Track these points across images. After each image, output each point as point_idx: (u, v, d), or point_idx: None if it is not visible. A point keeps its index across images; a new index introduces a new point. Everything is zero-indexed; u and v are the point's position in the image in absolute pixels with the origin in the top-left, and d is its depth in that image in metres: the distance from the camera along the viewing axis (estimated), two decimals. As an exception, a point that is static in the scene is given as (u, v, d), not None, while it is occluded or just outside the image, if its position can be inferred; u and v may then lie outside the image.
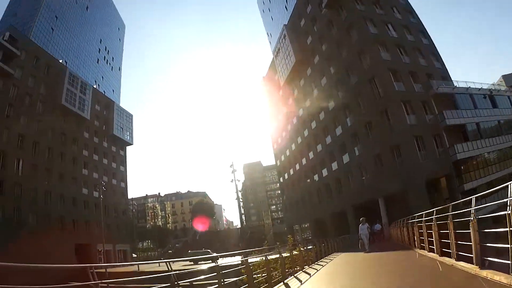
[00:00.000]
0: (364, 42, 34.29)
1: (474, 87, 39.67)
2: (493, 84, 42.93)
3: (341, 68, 38.04)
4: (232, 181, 38.98)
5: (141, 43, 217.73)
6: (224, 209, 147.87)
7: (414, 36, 38.80)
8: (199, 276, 8.41)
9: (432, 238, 9.96)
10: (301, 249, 16.14)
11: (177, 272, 7.29)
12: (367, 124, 34.58)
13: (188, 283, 7.57)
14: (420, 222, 12.10)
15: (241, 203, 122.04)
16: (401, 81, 32.91)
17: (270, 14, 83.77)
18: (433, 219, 9.39)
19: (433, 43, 41.20)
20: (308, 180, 49.47)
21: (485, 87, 41.50)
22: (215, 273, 7.40)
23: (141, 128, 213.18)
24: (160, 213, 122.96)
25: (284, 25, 50.35)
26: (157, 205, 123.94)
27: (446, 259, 8.83)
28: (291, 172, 56.39)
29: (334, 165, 41.63)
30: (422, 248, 11.75)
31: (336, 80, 39.29)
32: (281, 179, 63.80)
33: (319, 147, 45.13)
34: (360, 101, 35.26)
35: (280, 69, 52.38)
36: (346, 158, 38.98)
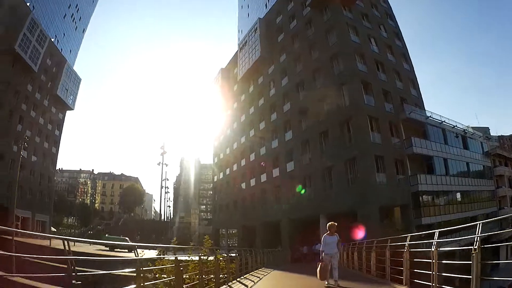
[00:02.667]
0: (342, 47, 32.10)
1: (448, 123, 37.95)
2: (467, 126, 41.28)
3: (308, 69, 35.82)
4: (159, 163, 35.10)
5: (112, 14, 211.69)
6: (154, 200, 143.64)
7: (395, 58, 37.44)
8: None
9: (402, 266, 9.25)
10: (220, 257, 11.93)
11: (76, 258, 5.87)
12: (323, 132, 32.16)
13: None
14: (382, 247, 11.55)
15: (172, 197, 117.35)
16: (372, 96, 30.76)
17: (247, 11, 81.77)
18: (406, 245, 9.00)
19: (414, 71, 40.16)
20: (244, 183, 46.86)
21: (459, 126, 39.90)
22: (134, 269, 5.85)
23: (87, 100, 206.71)
24: (90, 191, 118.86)
25: (259, 18, 47.87)
26: (88, 182, 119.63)
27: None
28: (227, 172, 53.84)
29: (276, 172, 38.99)
30: (393, 279, 10.47)
31: (300, 81, 37.10)
32: (216, 178, 61.04)
33: (262, 150, 42.68)
34: (321, 107, 32.85)
35: (241, 62, 49.75)
36: (290, 166, 36.40)
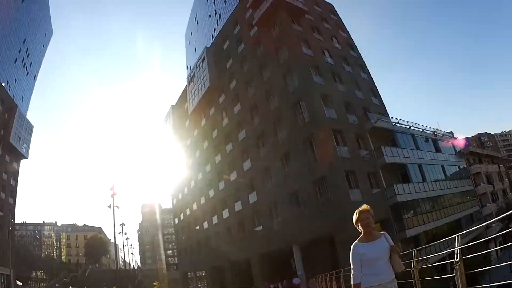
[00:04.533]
0: (295, 61, 30.38)
1: (417, 127, 36.78)
2: (436, 129, 40.23)
3: (261, 91, 34.04)
4: (109, 206, 31.65)
5: (64, 58, 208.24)
6: (121, 249, 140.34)
7: (352, 68, 36.47)
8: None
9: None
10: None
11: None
12: (284, 156, 29.92)
13: None
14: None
15: (137, 244, 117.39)
16: (333, 108, 28.92)
17: (194, 45, 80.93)
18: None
19: (372, 80, 39.32)
20: (206, 222, 44.14)
21: (428, 130, 38.85)
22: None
23: (41, 148, 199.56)
24: (55, 243, 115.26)
25: (206, 47, 46.46)
26: (52, 234, 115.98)
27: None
28: (188, 212, 51.07)
29: (238, 205, 36.47)
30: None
31: (253, 105, 35.27)
32: (176, 220, 58.03)
33: (221, 185, 40.30)
34: (278, 129, 30.98)
35: (191, 96, 47.82)
36: (253, 197, 33.97)
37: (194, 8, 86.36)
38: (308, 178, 26.75)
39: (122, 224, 44.82)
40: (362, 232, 4.29)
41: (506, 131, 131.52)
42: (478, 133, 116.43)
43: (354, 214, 4.40)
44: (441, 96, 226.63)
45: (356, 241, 4.30)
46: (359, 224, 4.30)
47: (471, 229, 29.49)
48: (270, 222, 31.26)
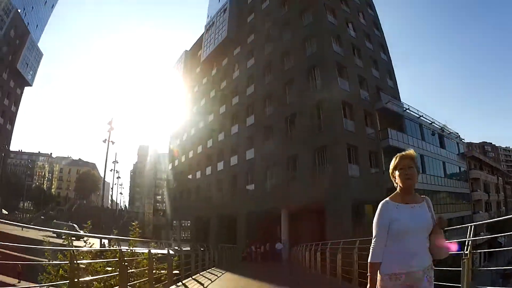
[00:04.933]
0: (317, 27, 29.34)
1: (426, 118, 36.04)
2: (444, 125, 39.45)
3: (277, 50, 33.04)
4: (104, 141, 31.07)
5: None
6: (112, 188, 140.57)
7: (373, 46, 35.32)
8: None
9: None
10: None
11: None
12: (288, 117, 29.29)
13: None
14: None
15: (128, 185, 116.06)
16: (346, 80, 28.04)
17: None
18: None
19: (391, 62, 38.17)
20: (199, 172, 43.75)
21: (437, 124, 38.09)
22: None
23: (47, 78, 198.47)
24: (47, 175, 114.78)
25: (229, -3, 44.88)
26: (46, 166, 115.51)
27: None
28: (183, 159, 50.72)
29: (234, 159, 36.14)
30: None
31: (267, 63, 34.35)
32: (171, 166, 57.44)
33: (220, 136, 39.84)
34: (288, 90, 30.30)
35: (206, 43, 46.85)
36: (250, 154, 33.49)
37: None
38: (309, 144, 26.15)
39: (115, 162, 44.32)
40: (398, 188, 2.74)
41: (511, 147, 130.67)
42: (483, 141, 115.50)
43: (393, 159, 2.78)
44: (454, 95, 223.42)
45: (387, 198, 2.76)
46: (396, 175, 2.71)
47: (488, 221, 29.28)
48: (263, 182, 30.93)
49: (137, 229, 12.82)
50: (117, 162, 50.69)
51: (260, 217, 30.60)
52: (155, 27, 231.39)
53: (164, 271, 10.04)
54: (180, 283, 10.66)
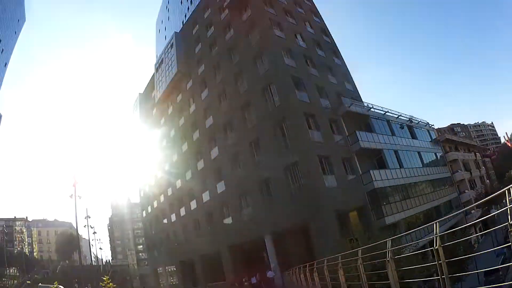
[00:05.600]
0: (266, 44, 28.90)
1: (392, 113, 36.00)
2: (411, 116, 39.55)
3: (229, 75, 32.39)
4: (71, 196, 29.30)
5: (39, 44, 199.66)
6: (92, 245, 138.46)
7: (325, 53, 35.32)
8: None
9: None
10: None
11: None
12: (253, 142, 28.42)
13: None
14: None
15: (105, 239, 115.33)
16: (305, 92, 27.54)
17: (165, 33, 78.25)
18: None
19: (346, 65, 38.27)
20: (174, 215, 42.22)
21: (403, 117, 38.17)
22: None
23: (9, 140, 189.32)
24: (27, 239, 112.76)
25: (175, 32, 44.44)
26: (24, 230, 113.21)
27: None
28: (155, 204, 49.10)
29: (206, 196, 34.80)
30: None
31: (221, 90, 33.62)
32: (144, 213, 55.75)
33: (188, 174, 38.44)
34: (247, 114, 29.52)
35: (158, 83, 45.90)
36: (221, 187, 32.32)
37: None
38: (279, 164, 25.22)
39: (87, 217, 42.61)
40: None
41: (480, 122, 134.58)
42: (451, 124, 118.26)
43: None
44: (413, 87, 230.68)
45: None
46: None
47: (450, 215, 28.87)
48: (240, 213, 29.73)
49: (110, 284, 12.21)
50: (90, 217, 48.48)
51: (244, 249, 29.43)
52: (109, 75, 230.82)
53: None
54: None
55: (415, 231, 21.75)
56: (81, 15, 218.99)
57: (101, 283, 12.64)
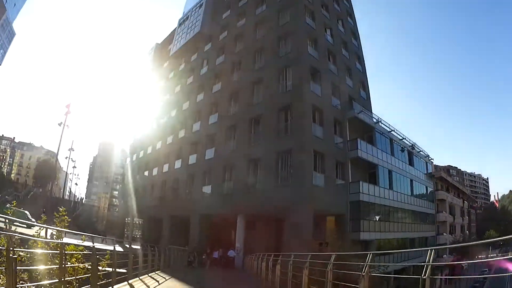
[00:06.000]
0: (294, 26, 28.01)
1: (397, 133, 35.42)
2: (415, 143, 38.97)
3: (249, 49, 31.45)
4: (60, 124, 28.65)
5: None
6: (70, 179, 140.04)
7: (349, 54, 34.44)
8: None
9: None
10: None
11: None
12: (254, 119, 27.70)
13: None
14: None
15: (85, 177, 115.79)
16: (319, 85, 26.75)
17: None
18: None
19: (366, 73, 37.43)
20: (156, 168, 41.70)
21: (407, 141, 37.57)
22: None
23: (18, 59, 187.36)
24: (8, 159, 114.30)
25: (208, -9, 43.18)
26: (8, 150, 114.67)
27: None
28: (141, 154, 48.56)
29: (193, 158, 34.15)
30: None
31: (237, 61, 32.65)
32: (128, 160, 55.22)
33: (181, 133, 37.80)
34: (256, 90, 28.75)
35: (177, 38, 45.01)
36: (210, 153, 31.64)
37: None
38: (273, 147, 24.61)
39: (71, 149, 41.82)
40: None
41: (476, 174, 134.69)
42: (448, 165, 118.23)
43: None
44: (424, 117, 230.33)
45: None
46: None
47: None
48: (221, 184, 29.07)
49: (65, 217, 11.30)
50: (73, 150, 47.92)
51: (215, 221, 29.07)
52: (131, 16, 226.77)
53: (110, 269, 9.66)
54: (125, 283, 10.53)
55: (397, 252, 21.47)
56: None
57: (55, 213, 11.42)
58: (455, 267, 39.95)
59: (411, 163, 37.88)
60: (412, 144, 38.33)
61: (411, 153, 38.38)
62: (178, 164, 36.54)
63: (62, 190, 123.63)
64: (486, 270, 41.72)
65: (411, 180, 36.68)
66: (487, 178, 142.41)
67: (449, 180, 50.56)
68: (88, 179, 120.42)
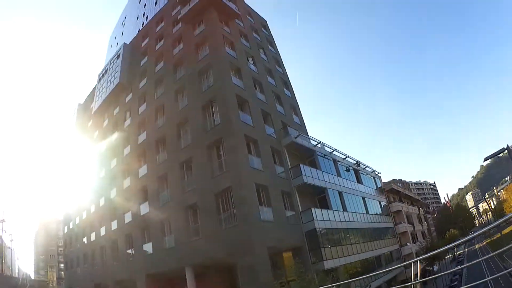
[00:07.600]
0: (214, 59, 26.66)
1: (339, 153, 34.82)
2: (359, 161, 38.68)
3: (170, 90, 29.67)
4: None
5: None
6: (18, 258, 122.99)
7: (276, 81, 33.93)
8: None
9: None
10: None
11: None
12: (184, 162, 25.42)
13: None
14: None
15: (30, 253, 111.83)
16: (249, 115, 25.39)
17: (116, 48, 75.41)
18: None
19: (295, 99, 37.17)
20: (94, 233, 37.98)
21: (350, 160, 37.19)
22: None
23: None
24: None
25: (124, 43, 41.34)
26: None
27: None
28: (77, 221, 44.65)
29: (128, 216, 31.21)
30: None
31: (159, 105, 30.70)
32: (66, 229, 50.65)
33: (113, 192, 34.71)
34: (183, 132, 26.83)
35: (98, 93, 42.39)
36: (145, 208, 28.76)
37: (124, 11, 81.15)
38: (210, 189, 22.29)
39: (2, 221, 37.21)
40: None
41: (421, 181, 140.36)
42: (392, 179, 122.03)
43: None
44: (361, 136, 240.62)
45: None
46: None
47: (394, 267, 27.10)
48: (161, 239, 26.09)
49: None
50: (4, 221, 43.37)
51: (162, 280, 26.06)
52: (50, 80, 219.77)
53: None
54: None
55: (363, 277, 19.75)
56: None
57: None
58: (426, 271, 40.01)
59: (359, 181, 37.34)
60: (357, 162, 37.97)
61: (357, 170, 37.94)
62: (114, 225, 33.17)
63: (10, 268, 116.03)
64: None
65: (363, 198, 35.95)
66: (434, 182, 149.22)
67: (400, 191, 50.91)
68: (34, 254, 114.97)
